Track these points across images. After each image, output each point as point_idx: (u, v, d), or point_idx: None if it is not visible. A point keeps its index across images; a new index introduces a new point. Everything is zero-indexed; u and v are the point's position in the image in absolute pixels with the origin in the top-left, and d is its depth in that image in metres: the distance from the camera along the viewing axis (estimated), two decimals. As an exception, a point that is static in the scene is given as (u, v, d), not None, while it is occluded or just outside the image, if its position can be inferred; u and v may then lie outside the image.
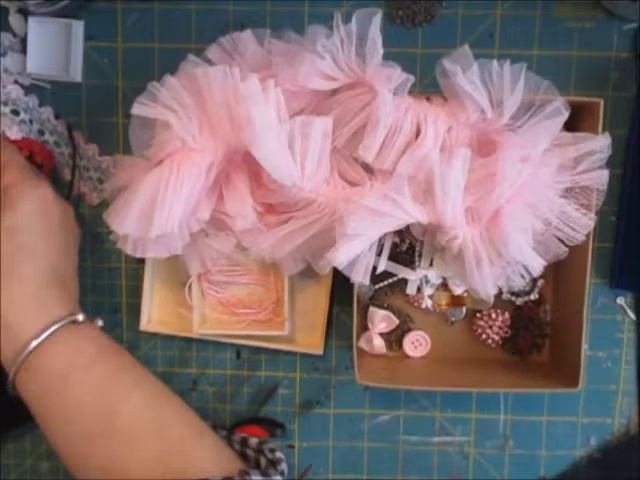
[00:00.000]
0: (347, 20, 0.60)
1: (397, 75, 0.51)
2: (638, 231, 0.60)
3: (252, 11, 0.61)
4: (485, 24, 0.60)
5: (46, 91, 0.63)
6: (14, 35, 0.62)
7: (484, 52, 0.60)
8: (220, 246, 0.58)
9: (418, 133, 0.53)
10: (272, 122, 0.51)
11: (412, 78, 0.52)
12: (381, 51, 0.51)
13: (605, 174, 0.53)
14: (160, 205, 0.51)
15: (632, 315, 0.63)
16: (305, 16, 0.61)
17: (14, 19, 0.62)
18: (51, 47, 0.61)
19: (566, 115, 0.52)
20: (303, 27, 0.60)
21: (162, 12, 0.62)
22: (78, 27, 0.61)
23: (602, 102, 0.54)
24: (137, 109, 0.53)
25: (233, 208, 0.55)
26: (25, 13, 0.61)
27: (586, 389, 0.62)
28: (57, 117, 0.63)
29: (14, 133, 0.62)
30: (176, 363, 0.66)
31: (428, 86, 0.60)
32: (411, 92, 0.52)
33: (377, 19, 0.51)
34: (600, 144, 0.53)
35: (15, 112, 0.62)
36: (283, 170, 0.51)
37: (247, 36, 0.55)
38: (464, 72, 0.50)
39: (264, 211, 0.56)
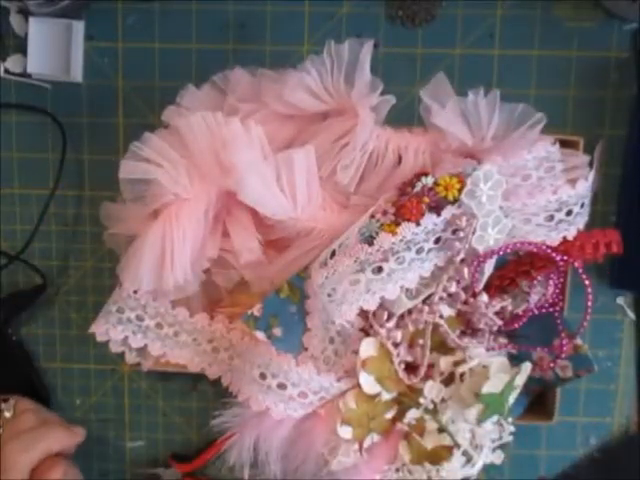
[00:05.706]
0: (348, 20, 0.61)
1: (379, 92, 0.52)
2: (638, 231, 0.60)
3: (252, 11, 0.61)
4: (485, 24, 0.60)
5: (46, 91, 0.63)
6: (15, 35, 0.62)
7: (484, 52, 0.60)
8: (223, 283, 0.58)
9: (400, 160, 0.54)
10: (257, 163, 0.51)
11: (393, 100, 0.52)
12: (369, 77, 0.51)
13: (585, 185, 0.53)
14: (169, 258, 0.52)
15: (632, 315, 0.63)
16: (305, 16, 0.61)
17: (15, 19, 0.62)
18: (51, 47, 0.61)
19: (543, 122, 0.52)
20: (303, 27, 0.61)
21: (162, 12, 0.62)
22: (78, 27, 0.61)
23: (582, 141, 0.54)
24: (123, 172, 0.53)
25: (238, 242, 0.55)
26: (26, 13, 0.61)
27: (586, 389, 0.62)
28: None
29: None
30: (176, 363, 0.66)
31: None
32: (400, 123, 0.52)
33: (369, 47, 0.51)
34: (582, 160, 0.53)
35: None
36: (274, 206, 0.52)
37: (239, 72, 0.56)
38: (443, 107, 0.51)
39: (265, 246, 0.56)
